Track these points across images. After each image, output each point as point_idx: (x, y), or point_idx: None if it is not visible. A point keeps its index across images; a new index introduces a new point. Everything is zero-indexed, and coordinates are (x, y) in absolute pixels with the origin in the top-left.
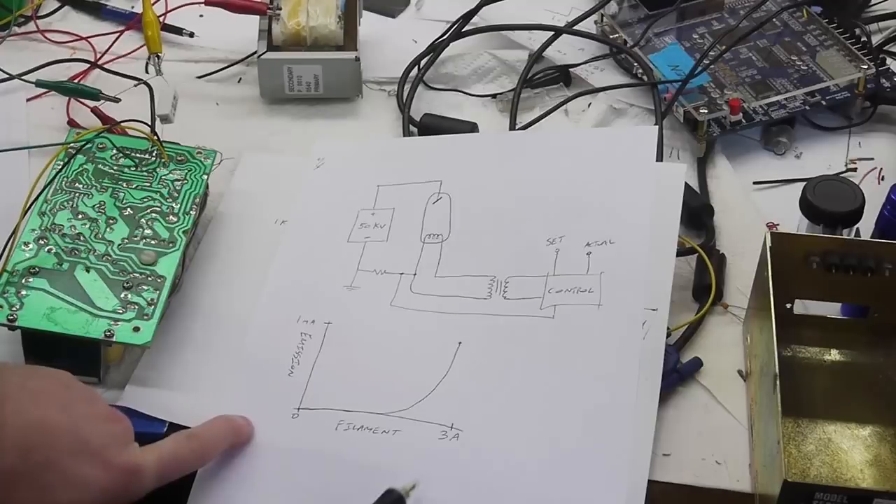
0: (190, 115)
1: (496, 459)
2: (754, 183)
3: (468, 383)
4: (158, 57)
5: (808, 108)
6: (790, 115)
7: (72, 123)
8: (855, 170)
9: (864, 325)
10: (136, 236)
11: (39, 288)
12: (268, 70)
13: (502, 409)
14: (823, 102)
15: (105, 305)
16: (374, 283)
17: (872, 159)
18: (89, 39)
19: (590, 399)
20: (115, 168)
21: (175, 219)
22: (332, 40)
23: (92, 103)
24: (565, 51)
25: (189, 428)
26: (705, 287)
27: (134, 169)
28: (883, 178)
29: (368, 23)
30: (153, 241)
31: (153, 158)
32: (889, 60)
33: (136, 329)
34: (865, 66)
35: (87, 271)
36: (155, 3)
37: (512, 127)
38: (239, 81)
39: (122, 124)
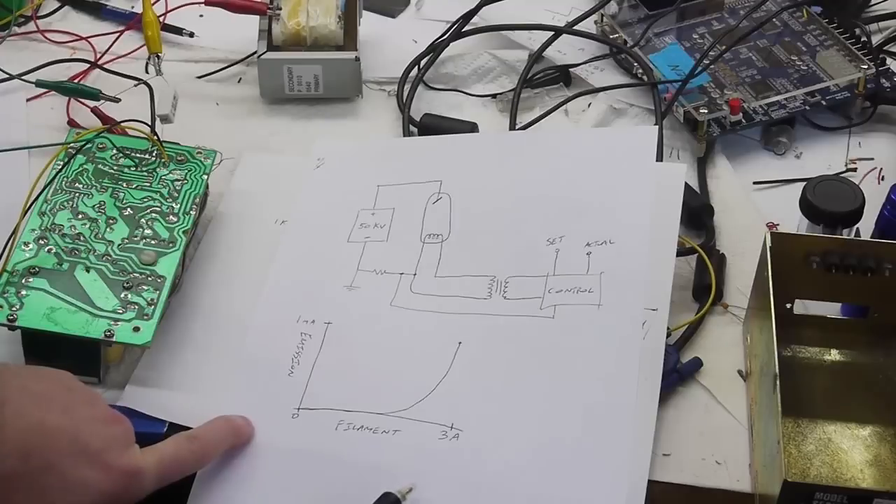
0: (190, 115)
1: (496, 459)
2: (754, 183)
3: (468, 383)
4: (158, 57)
5: (808, 108)
6: (790, 115)
7: (72, 123)
8: (855, 170)
9: (864, 325)
10: (136, 236)
11: (39, 288)
12: (268, 70)
13: (502, 409)
14: (823, 102)
15: (105, 305)
16: (374, 283)
17: (872, 159)
18: (89, 39)
19: (590, 399)
20: (115, 168)
21: (175, 219)
22: (332, 40)
23: (92, 103)
24: (565, 51)
25: (189, 428)
26: (705, 287)
27: (134, 169)
28: (883, 178)
29: (368, 23)
30: (153, 241)
31: (153, 158)
32: (889, 60)
33: (136, 329)
34: (865, 66)
35: (87, 271)
36: (155, 3)
37: (512, 127)
38: (239, 81)
39: (122, 124)
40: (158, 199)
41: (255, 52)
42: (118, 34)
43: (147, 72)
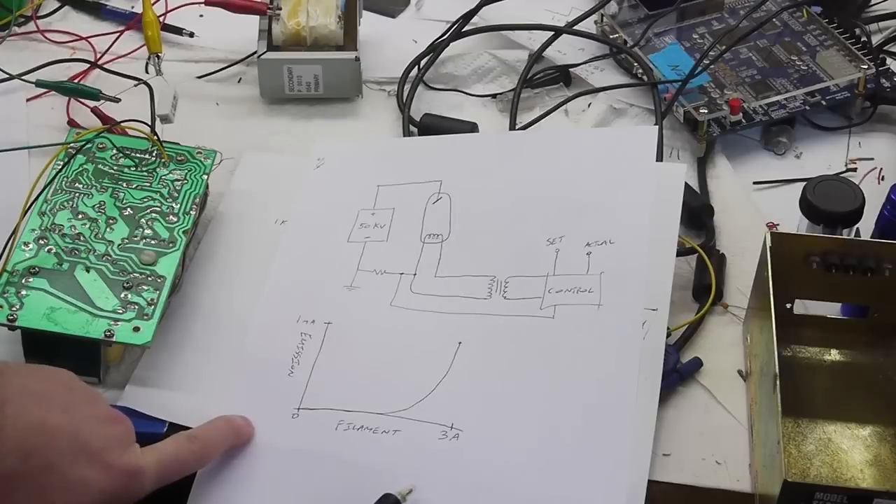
0: (190, 115)
1: (496, 459)
2: (754, 183)
3: (468, 383)
4: (158, 57)
5: (808, 108)
6: (790, 115)
7: (72, 123)
8: (855, 170)
9: (864, 325)
10: (136, 236)
11: (39, 288)
12: (268, 70)
13: (502, 409)
14: (823, 102)
15: (105, 305)
16: (374, 283)
17: (872, 159)
18: (89, 39)
19: (590, 399)
20: (115, 168)
21: (175, 219)
22: (332, 40)
23: (92, 103)
24: (565, 51)
25: (189, 428)
26: (705, 287)
27: (134, 169)
28: (883, 178)
29: (368, 23)
30: (153, 241)
31: (153, 158)
32: (889, 60)
33: (136, 329)
34: (865, 66)
35: (87, 271)
36: (155, 3)
37: (512, 127)
38: (239, 81)
39: (122, 124)
40: (158, 199)
41: (255, 52)
42: (118, 34)
43: (147, 72)
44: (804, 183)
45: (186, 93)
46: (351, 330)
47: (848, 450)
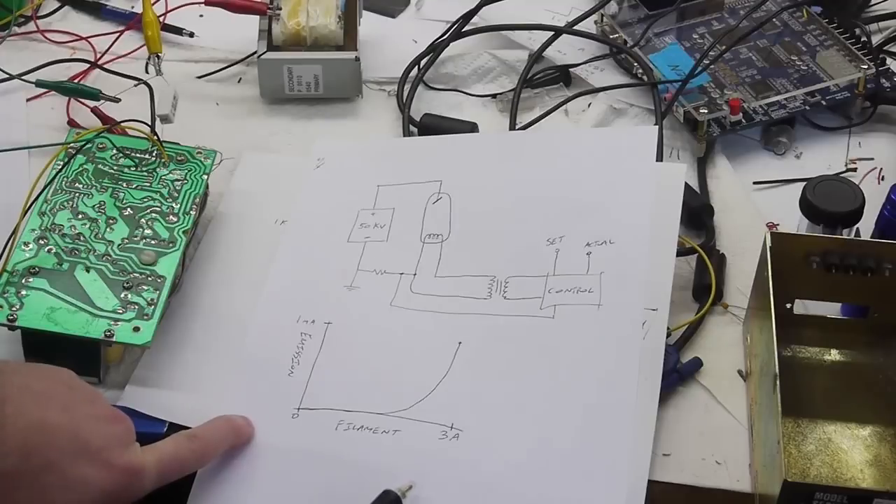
0: (190, 115)
1: (496, 459)
2: (754, 183)
3: (468, 383)
4: (158, 57)
5: (808, 108)
6: (790, 115)
7: (72, 123)
8: (855, 170)
9: (864, 325)
10: (136, 236)
11: (39, 288)
12: (268, 70)
13: (502, 410)
14: (823, 102)
15: (105, 305)
16: (374, 283)
17: (872, 159)
18: (89, 39)
19: (590, 399)
20: (115, 168)
21: (175, 219)
22: (332, 40)
23: (92, 103)
24: (565, 51)
25: (189, 428)
26: (705, 287)
27: (134, 169)
28: (883, 178)
29: (368, 23)
30: (153, 241)
31: (153, 158)
32: (889, 60)
33: (136, 329)
34: (865, 66)
35: (87, 271)
36: (155, 3)
37: (512, 127)
38: (239, 81)
39: (122, 124)
40: (158, 199)
41: (255, 52)
42: (118, 34)
43: (147, 72)
44: (804, 183)
45: (186, 93)
46: (351, 330)
47: (848, 450)
